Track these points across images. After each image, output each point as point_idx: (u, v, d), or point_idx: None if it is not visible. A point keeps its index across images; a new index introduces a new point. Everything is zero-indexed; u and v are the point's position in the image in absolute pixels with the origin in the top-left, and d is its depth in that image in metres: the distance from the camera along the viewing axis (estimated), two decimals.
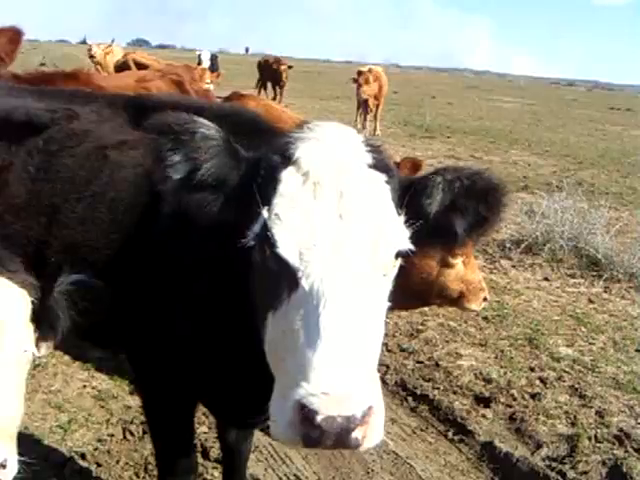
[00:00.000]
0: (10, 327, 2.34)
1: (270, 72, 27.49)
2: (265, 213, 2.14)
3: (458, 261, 4.57)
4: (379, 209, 2.18)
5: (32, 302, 2.46)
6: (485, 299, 4.75)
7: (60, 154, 3.24)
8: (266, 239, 2.12)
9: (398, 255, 2.20)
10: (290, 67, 23.95)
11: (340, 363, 1.94)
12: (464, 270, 4.62)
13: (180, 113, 2.34)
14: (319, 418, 1.90)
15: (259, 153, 2.36)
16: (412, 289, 4.27)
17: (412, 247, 2.21)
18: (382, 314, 2.20)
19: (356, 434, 1.94)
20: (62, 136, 3.30)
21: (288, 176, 2.19)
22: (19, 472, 2.39)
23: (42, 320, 2.51)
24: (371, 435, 1.99)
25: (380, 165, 2.29)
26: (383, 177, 2.25)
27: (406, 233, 2.21)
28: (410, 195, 2.30)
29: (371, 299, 2.10)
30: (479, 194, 2.33)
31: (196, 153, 2.25)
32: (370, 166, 2.25)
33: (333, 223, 2.10)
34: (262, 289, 2.25)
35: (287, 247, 2.09)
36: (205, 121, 2.32)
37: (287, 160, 2.23)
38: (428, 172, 2.43)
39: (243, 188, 2.30)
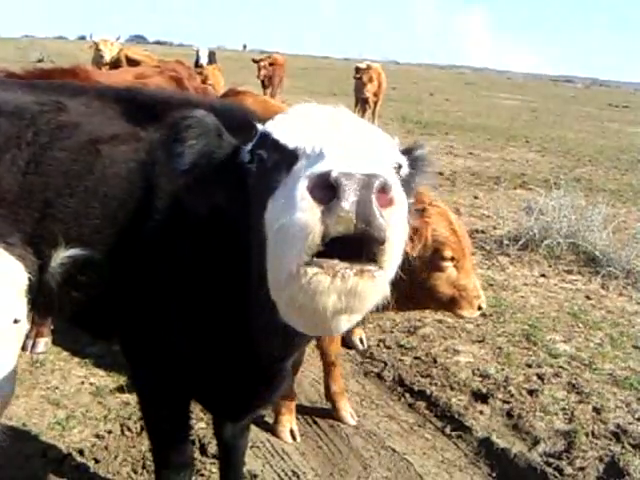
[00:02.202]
0: (3, 297, 2.34)
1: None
2: (260, 127, 2.24)
3: (449, 264, 4.45)
4: (374, 131, 2.22)
5: (28, 277, 2.46)
6: (480, 307, 4.63)
7: (50, 147, 3.22)
8: (262, 140, 2.19)
9: (398, 168, 2.19)
10: (272, 64, 23.75)
11: (354, 147, 1.88)
12: (456, 275, 4.49)
13: (185, 109, 2.41)
14: (334, 173, 1.73)
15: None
16: (402, 291, 4.24)
17: (408, 168, 2.29)
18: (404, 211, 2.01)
19: (380, 212, 1.74)
20: (52, 128, 3.27)
21: (279, 116, 2.28)
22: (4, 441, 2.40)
23: (38, 295, 2.52)
24: (396, 222, 1.79)
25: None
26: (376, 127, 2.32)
27: (403, 157, 2.26)
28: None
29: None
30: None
31: (186, 132, 2.31)
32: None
33: (326, 126, 2.10)
34: (257, 198, 2.16)
35: (283, 133, 2.12)
36: (201, 110, 2.38)
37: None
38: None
39: (228, 166, 2.36)
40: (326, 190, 1.73)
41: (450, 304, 4.58)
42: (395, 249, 1.82)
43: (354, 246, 1.79)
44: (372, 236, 1.76)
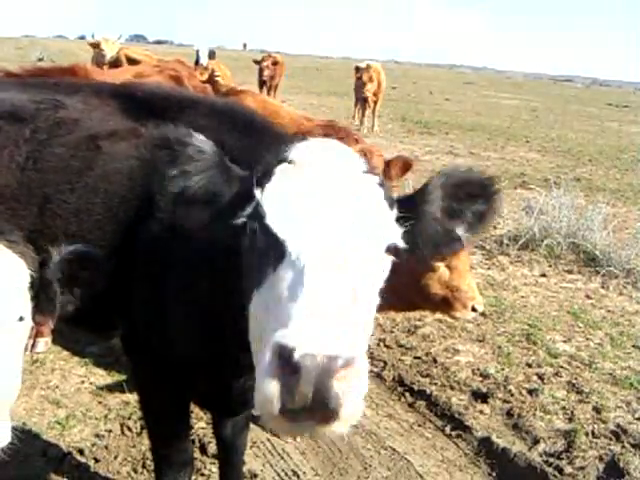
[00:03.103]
0: (6, 294, 2.34)
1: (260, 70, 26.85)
2: (258, 194, 2.17)
3: (440, 264, 4.41)
4: (371, 198, 2.20)
5: (30, 274, 2.46)
6: (475, 309, 4.55)
7: (50, 143, 3.23)
8: (257, 214, 2.15)
9: (389, 250, 2.19)
10: (274, 63, 23.62)
11: (323, 313, 1.86)
12: (449, 275, 4.45)
13: (179, 127, 2.36)
14: (297, 354, 1.76)
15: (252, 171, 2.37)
16: (394, 290, 4.20)
17: (404, 245, 2.22)
18: (370, 301, 2.15)
19: (338, 386, 1.79)
20: (50, 125, 3.28)
21: (281, 168, 2.23)
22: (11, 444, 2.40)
23: (39, 292, 2.51)
24: (352, 397, 1.83)
25: (372, 172, 2.32)
26: (376, 180, 2.28)
27: (398, 229, 2.21)
28: (410, 202, 2.34)
29: (360, 275, 2.04)
30: (473, 194, 2.37)
31: (188, 166, 2.26)
32: (364, 171, 2.28)
33: (322, 202, 2.11)
34: (249, 270, 2.22)
35: (275, 219, 2.10)
36: (200, 136, 2.33)
37: (281, 160, 2.26)
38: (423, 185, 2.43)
39: (234, 204, 2.31)
40: (288, 365, 1.77)
41: (443, 305, 4.54)
42: (350, 412, 1.85)
43: None
44: (327, 409, 1.81)
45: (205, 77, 12.73)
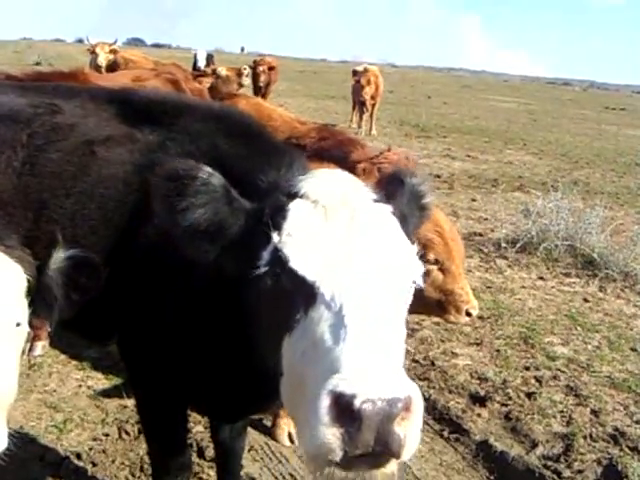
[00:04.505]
0: (3, 300, 2.33)
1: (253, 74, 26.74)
2: (275, 237, 2.15)
3: (433, 267, 4.31)
4: (393, 235, 2.22)
5: (27, 279, 2.45)
6: (469, 313, 4.44)
7: (46, 148, 3.21)
8: (278, 260, 2.11)
9: (414, 283, 2.22)
10: (271, 68, 23.54)
11: (373, 355, 1.84)
12: (442, 278, 4.36)
13: (187, 160, 2.36)
14: (357, 401, 1.72)
15: (259, 204, 2.37)
16: None
17: (423, 285, 2.26)
18: (401, 332, 2.17)
19: (399, 429, 1.78)
20: (47, 130, 3.27)
21: (296, 205, 2.22)
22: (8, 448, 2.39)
23: (37, 297, 2.50)
24: (413, 438, 1.83)
25: (382, 200, 2.36)
26: (389, 208, 2.31)
27: (420, 265, 2.24)
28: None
29: (390, 310, 2.04)
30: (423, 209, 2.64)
31: (194, 198, 2.26)
32: (374, 200, 2.32)
33: (346, 240, 2.11)
34: (272, 316, 2.18)
35: (301, 262, 2.07)
36: (207, 168, 2.32)
37: (293, 195, 2.27)
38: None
39: (241, 236, 2.32)
40: (347, 414, 1.74)
41: (436, 308, 4.46)
42: (410, 451, 1.86)
43: None
44: (389, 454, 1.83)
45: (210, 81, 12.66)
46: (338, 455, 1.79)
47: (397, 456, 1.83)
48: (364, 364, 1.81)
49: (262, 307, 2.24)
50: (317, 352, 1.92)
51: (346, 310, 1.93)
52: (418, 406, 1.84)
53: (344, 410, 1.75)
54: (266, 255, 2.16)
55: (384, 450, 1.80)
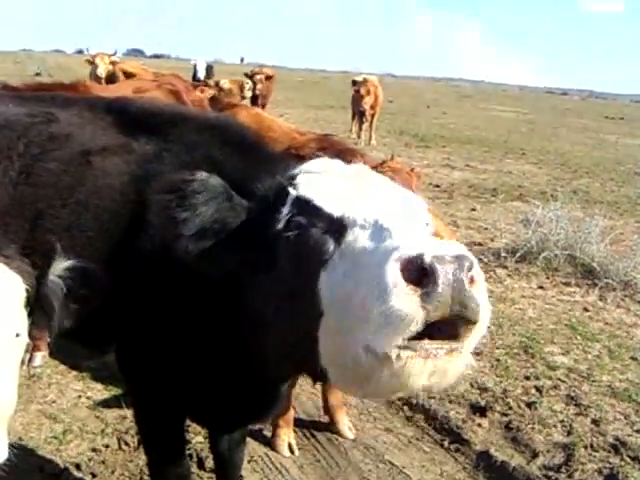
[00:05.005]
0: (2, 311, 2.32)
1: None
2: (293, 191, 2.23)
3: None
4: (396, 186, 2.33)
5: (27, 289, 2.45)
6: None
7: (42, 158, 3.20)
8: (300, 205, 2.18)
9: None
10: (268, 78, 23.52)
11: (427, 235, 1.93)
12: None
13: (181, 171, 2.41)
14: (427, 257, 1.72)
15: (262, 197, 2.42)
16: None
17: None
18: None
19: (472, 289, 1.77)
20: (43, 139, 3.26)
21: (303, 176, 2.31)
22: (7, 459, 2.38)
23: (36, 308, 2.50)
24: (484, 301, 1.82)
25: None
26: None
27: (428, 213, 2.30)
28: None
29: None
30: None
31: (194, 199, 2.28)
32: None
33: (359, 185, 2.20)
34: (300, 265, 2.17)
35: (325, 199, 2.14)
36: (204, 173, 2.35)
37: (293, 176, 2.35)
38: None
39: (246, 228, 2.35)
40: (420, 275, 1.73)
41: None
42: (483, 327, 1.86)
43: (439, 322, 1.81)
44: (467, 318, 1.80)
45: (212, 93, 12.65)
46: (419, 320, 1.75)
47: (474, 318, 1.80)
48: (420, 238, 1.86)
49: (289, 264, 2.23)
50: (363, 260, 1.93)
51: (381, 222, 1.97)
52: (481, 274, 1.85)
53: (416, 271, 1.74)
54: (286, 209, 2.21)
55: (462, 311, 1.77)
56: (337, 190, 2.17)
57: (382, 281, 1.77)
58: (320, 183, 2.23)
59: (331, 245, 2.07)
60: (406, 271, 1.74)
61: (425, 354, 1.81)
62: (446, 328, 1.84)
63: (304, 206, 2.17)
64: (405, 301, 1.74)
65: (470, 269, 1.78)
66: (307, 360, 2.22)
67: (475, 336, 1.87)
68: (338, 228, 2.07)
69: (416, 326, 1.76)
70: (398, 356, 1.81)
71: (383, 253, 1.84)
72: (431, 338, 1.81)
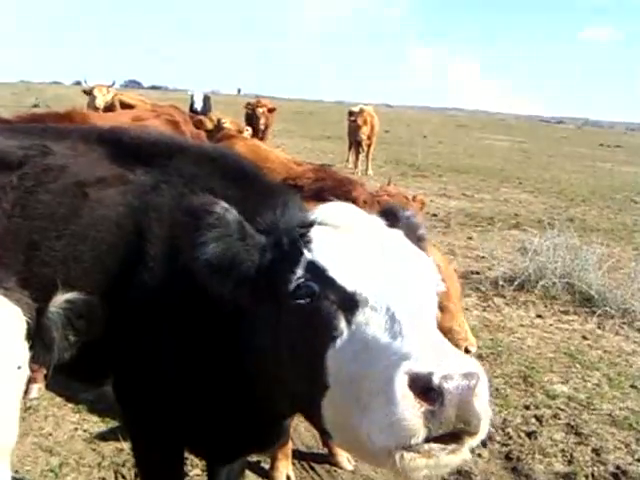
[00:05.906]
0: (4, 343, 2.32)
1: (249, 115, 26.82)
2: (308, 254, 2.22)
3: None
4: (412, 247, 2.34)
5: (27, 321, 2.44)
6: (467, 351, 4.44)
7: (36, 190, 3.20)
8: (314, 273, 2.17)
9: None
10: (271, 110, 23.59)
11: (433, 338, 1.92)
12: (440, 316, 4.30)
13: (205, 196, 2.44)
14: (436, 378, 1.75)
15: (271, 237, 2.43)
16: None
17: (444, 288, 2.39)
18: None
19: (477, 403, 1.80)
20: (37, 172, 3.25)
21: (318, 230, 2.32)
22: None
23: (37, 339, 2.49)
24: (485, 411, 1.85)
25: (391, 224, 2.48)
26: (400, 233, 2.42)
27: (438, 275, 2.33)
28: None
29: (429, 312, 2.15)
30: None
31: (209, 232, 2.31)
32: (386, 225, 2.45)
33: (375, 252, 2.20)
34: (309, 333, 2.17)
35: (339, 271, 2.14)
36: (224, 203, 2.39)
37: (310, 224, 2.37)
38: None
39: (257, 269, 2.36)
40: (428, 392, 1.76)
41: None
42: (485, 428, 1.89)
43: None
44: (468, 432, 1.85)
45: (211, 126, 12.68)
46: (421, 436, 1.79)
47: (475, 432, 1.85)
48: (430, 347, 1.86)
49: (296, 326, 2.23)
50: (373, 350, 1.95)
51: (394, 309, 1.99)
52: (485, 381, 1.87)
53: (424, 389, 1.76)
54: (299, 271, 2.20)
55: (464, 427, 1.82)
56: (351, 257, 2.18)
57: (391, 389, 1.81)
58: (334, 246, 2.23)
59: (342, 322, 2.08)
60: (414, 386, 1.78)
61: (428, 455, 1.85)
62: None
63: (317, 273, 2.16)
64: (411, 414, 1.78)
65: (476, 386, 1.81)
66: (311, 415, 2.27)
67: (476, 439, 1.90)
68: (350, 305, 2.08)
69: (417, 440, 1.80)
70: (402, 456, 1.86)
71: (394, 360, 1.86)
72: (435, 439, 1.84)
